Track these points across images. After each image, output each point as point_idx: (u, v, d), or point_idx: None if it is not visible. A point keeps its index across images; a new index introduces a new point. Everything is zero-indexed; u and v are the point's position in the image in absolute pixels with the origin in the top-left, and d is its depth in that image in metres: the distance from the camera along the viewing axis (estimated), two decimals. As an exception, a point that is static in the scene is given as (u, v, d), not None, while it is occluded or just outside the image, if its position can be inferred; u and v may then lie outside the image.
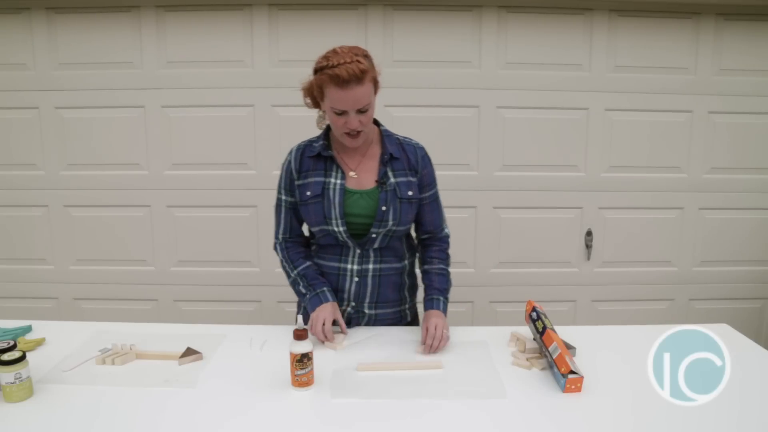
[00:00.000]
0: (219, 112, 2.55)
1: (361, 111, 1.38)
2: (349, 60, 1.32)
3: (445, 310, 1.53)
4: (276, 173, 2.56)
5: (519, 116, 2.57)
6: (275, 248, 1.63)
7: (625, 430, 1.11)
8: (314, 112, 2.47)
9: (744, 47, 2.54)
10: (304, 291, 1.55)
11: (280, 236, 1.61)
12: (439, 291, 1.55)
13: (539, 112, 2.57)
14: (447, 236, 1.64)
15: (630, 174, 2.64)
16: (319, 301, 1.50)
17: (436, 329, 1.42)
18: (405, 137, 1.58)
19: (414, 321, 1.69)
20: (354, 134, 1.42)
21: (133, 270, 2.69)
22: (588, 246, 2.69)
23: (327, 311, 1.47)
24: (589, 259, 2.71)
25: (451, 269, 1.62)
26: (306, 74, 2.47)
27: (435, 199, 1.59)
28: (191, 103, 2.54)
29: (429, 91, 2.49)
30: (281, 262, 1.62)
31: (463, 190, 2.48)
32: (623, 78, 2.55)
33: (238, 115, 2.55)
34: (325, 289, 1.52)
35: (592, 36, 2.52)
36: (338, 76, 1.31)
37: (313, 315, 1.48)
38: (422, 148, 1.57)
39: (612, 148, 2.61)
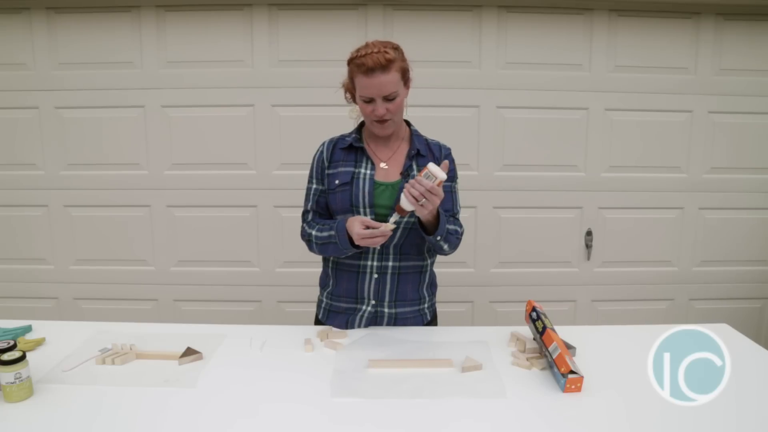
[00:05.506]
0: (219, 112, 2.55)
1: (388, 99, 1.43)
2: (376, 50, 1.39)
3: (441, 221, 1.44)
4: (276, 173, 2.60)
5: (519, 116, 2.57)
6: (302, 233, 1.60)
7: (625, 430, 1.11)
8: (314, 112, 2.50)
9: (744, 47, 2.54)
10: (327, 234, 1.50)
11: (309, 219, 1.61)
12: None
13: (539, 112, 2.57)
14: (461, 224, 1.60)
15: (630, 174, 2.64)
16: (343, 222, 1.47)
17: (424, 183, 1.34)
18: (433, 139, 1.63)
19: (433, 321, 1.68)
20: (382, 121, 1.46)
21: (133, 270, 2.69)
22: (588, 246, 2.69)
23: (357, 219, 1.43)
24: (589, 259, 2.71)
25: (454, 248, 1.55)
26: (306, 74, 2.50)
27: (450, 191, 1.58)
28: (191, 103, 2.54)
29: (429, 91, 2.49)
30: (307, 236, 1.57)
31: (463, 190, 2.46)
32: (623, 78, 2.55)
33: (238, 115, 2.55)
34: (339, 218, 1.51)
35: (592, 36, 2.52)
36: (364, 65, 1.39)
37: (353, 233, 1.42)
38: (448, 148, 1.62)
39: (612, 148, 2.61)
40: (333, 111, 2.45)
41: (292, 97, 2.54)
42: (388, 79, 1.40)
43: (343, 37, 2.47)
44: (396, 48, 1.44)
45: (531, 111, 2.57)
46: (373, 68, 1.38)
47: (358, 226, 1.41)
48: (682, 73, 2.56)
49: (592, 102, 2.57)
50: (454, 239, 1.53)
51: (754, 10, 2.50)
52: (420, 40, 2.49)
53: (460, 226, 1.59)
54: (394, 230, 1.48)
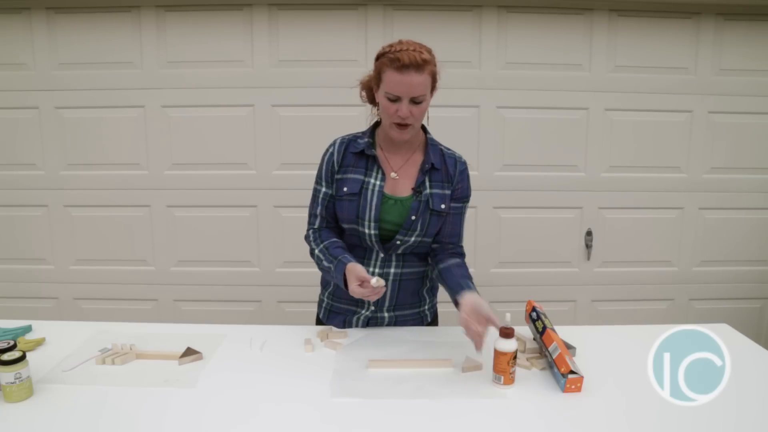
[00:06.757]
0: (219, 112, 2.55)
1: (414, 102, 1.37)
2: (412, 48, 1.35)
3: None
4: (276, 173, 2.60)
5: (519, 116, 2.57)
6: (307, 238, 1.56)
7: (625, 430, 1.11)
8: (314, 112, 2.50)
9: (744, 47, 2.54)
10: (327, 265, 1.45)
11: (316, 225, 1.55)
12: (465, 277, 1.45)
13: (539, 112, 2.57)
14: (464, 251, 1.57)
15: (630, 174, 2.64)
16: (343, 266, 1.41)
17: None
18: (449, 149, 1.56)
19: (434, 322, 1.67)
20: (403, 125, 1.40)
21: (133, 270, 2.69)
22: (588, 246, 2.69)
23: (355, 271, 1.37)
24: (589, 259, 2.71)
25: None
26: (306, 73, 2.50)
27: (460, 213, 1.55)
28: (191, 103, 2.54)
29: (429, 91, 2.49)
30: (311, 249, 1.54)
31: (463, 190, 2.49)
32: (623, 78, 2.55)
33: (238, 115, 2.55)
34: (346, 255, 1.44)
35: (592, 36, 2.52)
36: (399, 59, 1.33)
37: (349, 282, 1.38)
38: (463, 163, 1.55)
39: (612, 148, 2.61)
40: (333, 111, 2.46)
41: (292, 97, 2.54)
42: (420, 80, 1.35)
43: (343, 37, 2.47)
44: (430, 52, 1.40)
45: (531, 111, 2.57)
46: (408, 65, 1.32)
47: (354, 280, 1.36)
48: (682, 73, 2.56)
49: (592, 102, 2.57)
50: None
51: (754, 10, 2.50)
52: (420, 40, 2.48)
53: (464, 255, 1.55)
54: (400, 244, 1.47)
